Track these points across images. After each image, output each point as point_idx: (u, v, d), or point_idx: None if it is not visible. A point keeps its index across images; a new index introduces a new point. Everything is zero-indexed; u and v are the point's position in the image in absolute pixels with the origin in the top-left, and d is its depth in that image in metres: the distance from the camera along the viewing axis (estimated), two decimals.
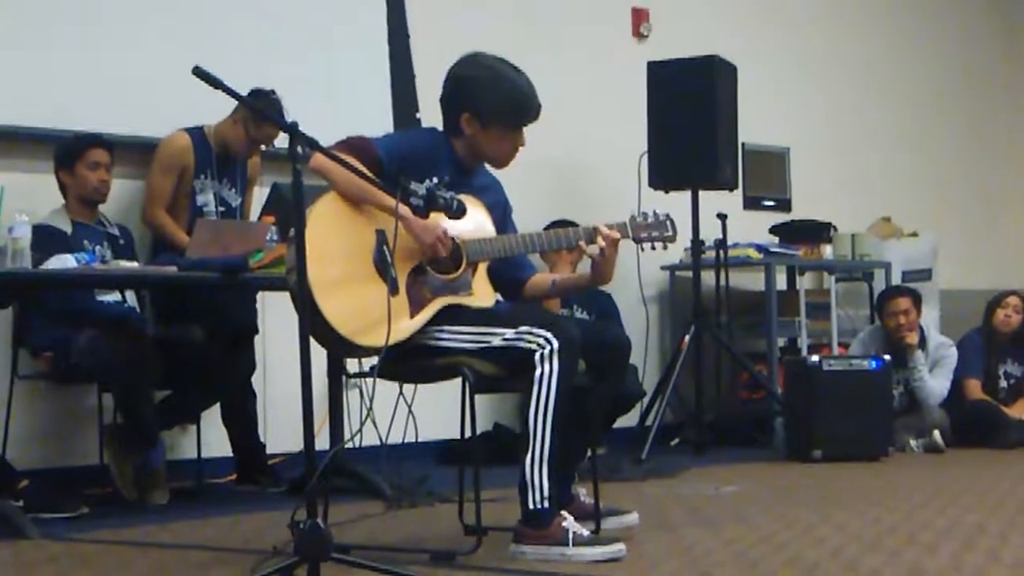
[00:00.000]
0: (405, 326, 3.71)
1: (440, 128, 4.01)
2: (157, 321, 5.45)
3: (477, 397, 3.78)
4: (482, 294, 3.89)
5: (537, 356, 3.63)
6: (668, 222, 4.04)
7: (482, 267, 3.91)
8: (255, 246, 4.89)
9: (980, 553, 3.70)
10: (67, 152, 5.21)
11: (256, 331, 5.66)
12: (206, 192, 5.58)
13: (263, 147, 5.66)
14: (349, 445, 4.14)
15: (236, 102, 3.75)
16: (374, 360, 3.66)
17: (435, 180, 3.76)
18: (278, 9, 6.21)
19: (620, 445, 6.59)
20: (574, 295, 4.17)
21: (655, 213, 4.06)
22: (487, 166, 4.09)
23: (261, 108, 4.89)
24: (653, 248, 4.06)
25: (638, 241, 4.03)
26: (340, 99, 6.19)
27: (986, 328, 7.55)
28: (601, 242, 3.91)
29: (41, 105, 5.42)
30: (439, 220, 3.70)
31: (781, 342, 7.88)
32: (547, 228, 5.26)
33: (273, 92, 5.38)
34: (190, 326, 5.40)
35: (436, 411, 4.58)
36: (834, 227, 8.24)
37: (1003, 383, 7.51)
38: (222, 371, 5.43)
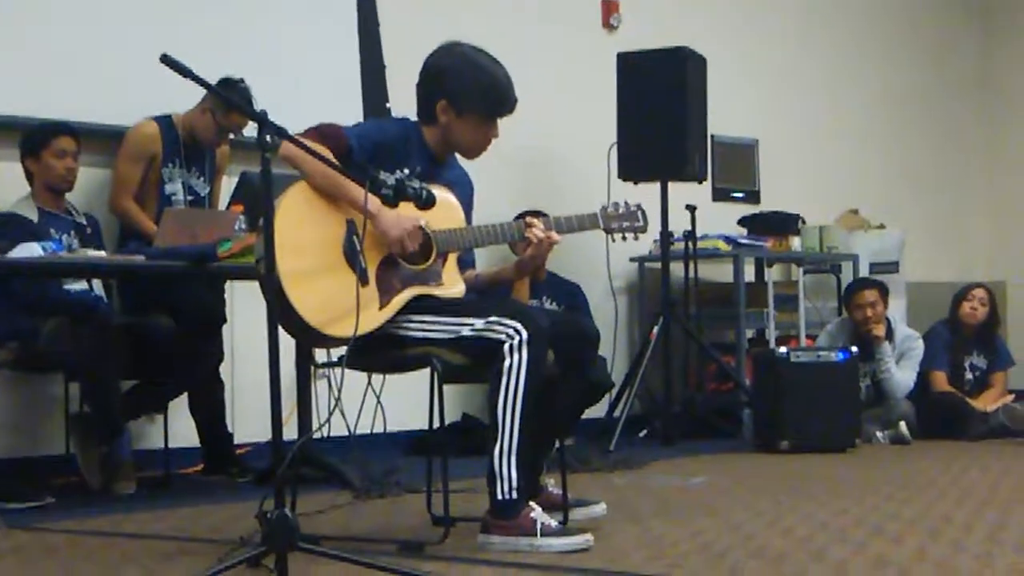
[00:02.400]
0: (374, 317, 3.70)
1: (412, 118, 4.00)
2: (124, 310, 5.42)
3: (446, 388, 3.77)
4: (452, 284, 3.89)
5: (506, 347, 3.63)
6: (639, 212, 4.05)
7: (452, 257, 3.91)
8: (223, 235, 4.87)
9: (945, 543, 3.73)
10: (33, 140, 5.18)
11: (224, 320, 5.64)
12: (174, 181, 5.56)
13: (231, 135, 5.63)
14: (317, 435, 4.13)
15: (205, 90, 3.73)
16: (343, 350, 3.66)
17: (406, 171, 3.76)
18: None
19: (588, 436, 6.60)
20: (503, 287, 4.18)
21: (626, 203, 4.06)
22: (460, 160, 4.08)
23: (229, 96, 4.87)
24: (624, 238, 4.06)
25: (609, 231, 4.03)
26: (310, 89, 6.17)
27: (952, 320, 7.60)
28: (531, 236, 3.89)
29: (7, 92, 5.38)
30: (409, 212, 3.68)
31: (749, 334, 7.92)
32: (517, 219, 5.25)
33: (242, 81, 5.36)
34: (157, 315, 5.38)
35: (404, 401, 4.57)
36: (802, 219, 8.28)
37: (968, 375, 7.56)
38: (190, 360, 5.41)
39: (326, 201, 3.72)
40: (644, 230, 4.07)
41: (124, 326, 5.24)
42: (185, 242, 4.92)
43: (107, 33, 5.68)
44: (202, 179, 5.66)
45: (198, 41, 5.55)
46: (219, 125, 5.51)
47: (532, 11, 7.54)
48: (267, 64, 5.93)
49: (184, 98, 5.37)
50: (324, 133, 3.74)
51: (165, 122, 5.55)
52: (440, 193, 3.71)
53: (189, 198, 5.59)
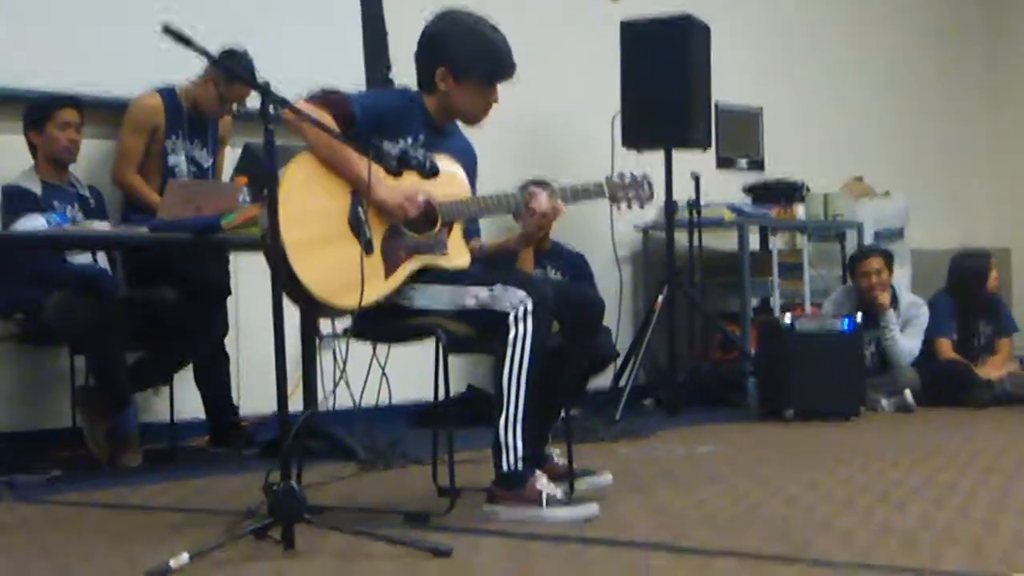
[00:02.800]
0: (380, 286, 3.69)
1: (413, 88, 3.99)
2: (128, 282, 5.42)
3: (451, 358, 3.78)
4: (457, 254, 3.88)
5: (511, 317, 3.63)
6: (646, 182, 4.05)
7: (457, 227, 3.90)
8: (227, 207, 4.87)
9: (950, 511, 3.73)
10: (37, 112, 5.17)
11: (229, 292, 5.63)
12: (177, 152, 5.54)
13: (234, 107, 5.61)
14: (323, 407, 4.14)
15: (207, 62, 3.72)
16: (348, 321, 3.65)
17: (408, 140, 3.75)
18: None
19: (593, 406, 6.60)
20: (508, 257, 4.17)
21: (632, 173, 4.06)
22: (462, 129, 4.07)
23: (231, 67, 4.84)
24: (630, 207, 4.05)
25: (615, 200, 4.02)
26: (312, 59, 6.14)
27: (961, 287, 7.55)
28: (536, 207, 3.88)
29: (10, 64, 5.36)
30: (413, 182, 3.68)
31: (754, 302, 7.90)
32: (521, 188, 5.24)
33: (245, 52, 5.34)
34: (161, 287, 5.37)
35: (409, 373, 4.58)
36: (807, 187, 8.25)
37: (976, 342, 7.55)
38: (195, 332, 5.40)
39: (330, 171, 3.71)
40: (651, 199, 4.06)
41: (128, 298, 5.24)
42: (189, 214, 4.91)
43: (110, 4, 5.65)
44: (205, 151, 5.65)
45: (200, 10, 5.51)
46: (221, 96, 5.50)
47: None
48: (269, 33, 5.91)
49: (188, 69, 5.36)
50: (328, 100, 3.73)
51: (168, 93, 5.53)
52: (444, 163, 3.70)
53: (192, 169, 5.58)
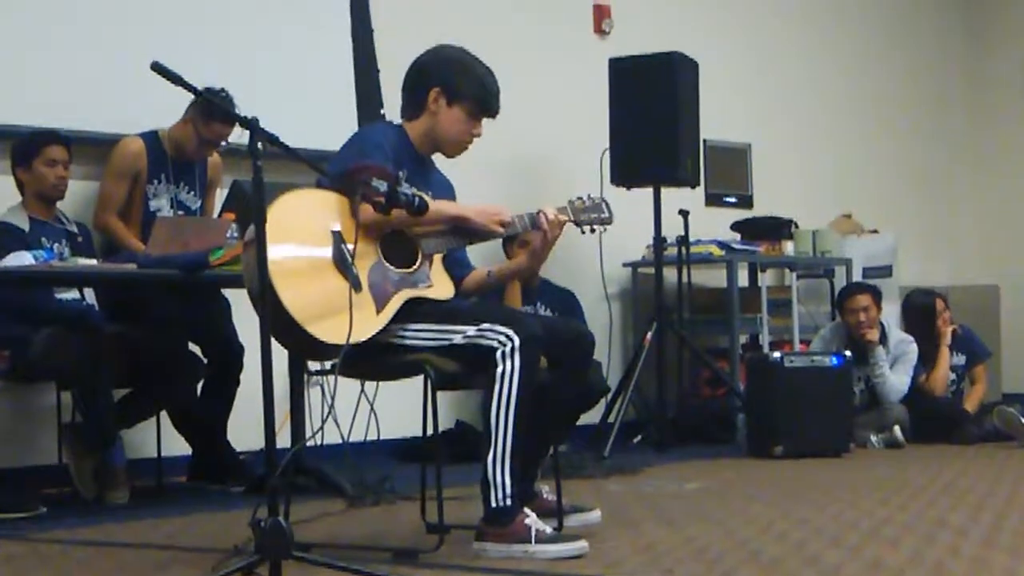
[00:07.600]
0: (372, 322, 3.69)
1: (393, 121, 4.02)
2: (114, 319, 5.38)
3: (439, 395, 3.77)
4: (441, 285, 3.89)
5: (498, 353, 3.63)
6: (603, 204, 4.12)
7: (437, 259, 3.91)
8: (215, 243, 4.86)
9: (940, 547, 3.73)
10: (24, 149, 5.16)
11: (242, 349, 5.56)
12: (159, 197, 5.51)
13: (221, 144, 5.57)
14: (311, 443, 4.11)
15: (188, 104, 3.72)
16: (335, 358, 3.64)
17: (400, 173, 3.75)
18: (241, 6, 6.17)
19: (582, 442, 6.59)
20: (522, 277, 4.22)
21: (590, 196, 4.12)
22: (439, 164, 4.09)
23: (209, 104, 4.82)
24: (593, 231, 4.10)
25: (579, 224, 4.08)
26: (304, 96, 6.16)
27: (926, 326, 7.58)
28: (545, 225, 3.91)
29: None
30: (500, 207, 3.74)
31: (743, 339, 7.91)
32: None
33: (223, 90, 5.27)
34: (147, 324, 5.33)
35: (398, 409, 4.57)
36: (795, 224, 8.27)
37: (951, 376, 7.55)
38: (176, 374, 5.36)
39: (317, 208, 3.72)
40: (610, 222, 4.11)
41: (117, 334, 5.22)
42: (177, 250, 4.90)
43: (98, 42, 5.65)
44: (192, 193, 5.61)
45: (191, 50, 5.52)
46: (200, 136, 5.46)
47: (524, 17, 7.54)
48: (262, 72, 5.92)
49: (179, 108, 5.37)
50: (372, 171, 3.71)
51: (150, 138, 5.50)
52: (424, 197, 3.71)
53: (180, 213, 5.54)
